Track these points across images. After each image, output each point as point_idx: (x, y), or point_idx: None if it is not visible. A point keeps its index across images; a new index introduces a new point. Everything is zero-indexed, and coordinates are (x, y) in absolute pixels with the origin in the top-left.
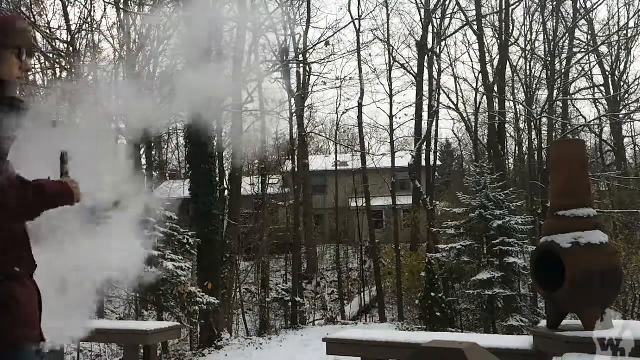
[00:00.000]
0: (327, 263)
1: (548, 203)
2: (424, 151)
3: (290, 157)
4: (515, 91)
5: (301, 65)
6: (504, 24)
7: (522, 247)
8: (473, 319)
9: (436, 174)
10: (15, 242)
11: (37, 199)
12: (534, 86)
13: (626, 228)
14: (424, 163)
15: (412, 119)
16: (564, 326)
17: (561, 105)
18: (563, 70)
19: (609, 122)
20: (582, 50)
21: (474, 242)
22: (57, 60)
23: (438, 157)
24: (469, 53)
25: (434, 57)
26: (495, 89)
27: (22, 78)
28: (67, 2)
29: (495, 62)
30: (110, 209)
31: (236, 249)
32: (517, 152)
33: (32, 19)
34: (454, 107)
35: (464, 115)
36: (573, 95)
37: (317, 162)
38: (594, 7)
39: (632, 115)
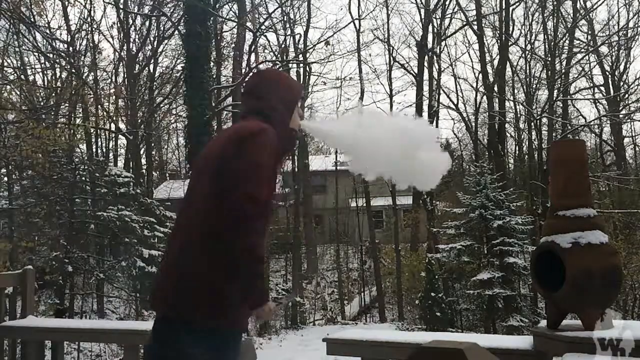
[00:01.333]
0: (327, 263)
1: (548, 203)
2: None
3: (290, 157)
4: (515, 91)
5: (301, 65)
6: (504, 24)
7: (522, 247)
8: (473, 319)
9: None
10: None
11: (254, 279)
12: (534, 86)
13: (626, 228)
14: None
15: None
16: (564, 326)
17: (561, 105)
18: (563, 70)
19: (609, 122)
20: (582, 50)
21: (474, 242)
22: (57, 60)
23: None
24: (469, 53)
25: (434, 57)
26: (495, 89)
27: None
28: (67, 2)
29: (495, 62)
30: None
31: None
32: (517, 152)
33: (32, 19)
34: (454, 107)
35: (464, 115)
36: (573, 95)
37: (317, 162)
38: (594, 7)
39: (632, 115)
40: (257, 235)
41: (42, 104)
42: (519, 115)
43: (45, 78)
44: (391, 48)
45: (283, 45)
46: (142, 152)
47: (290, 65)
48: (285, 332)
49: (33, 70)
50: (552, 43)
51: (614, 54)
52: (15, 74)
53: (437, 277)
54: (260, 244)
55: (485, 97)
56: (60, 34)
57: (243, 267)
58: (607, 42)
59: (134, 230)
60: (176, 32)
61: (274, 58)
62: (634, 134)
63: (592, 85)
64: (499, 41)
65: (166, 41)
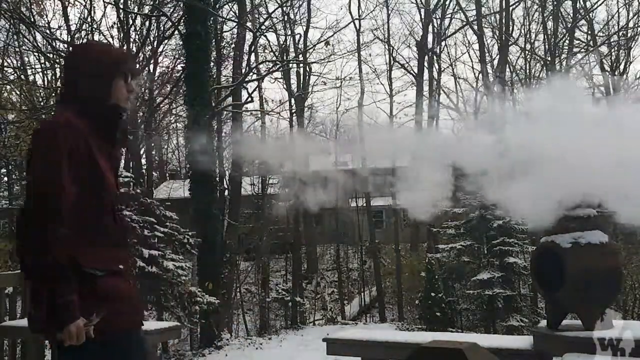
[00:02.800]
0: (327, 263)
1: None
2: None
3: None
4: (515, 91)
5: (301, 65)
6: (503, 24)
7: (522, 247)
8: (473, 319)
9: None
10: (119, 243)
11: (52, 276)
12: (534, 86)
13: (626, 228)
14: None
15: (412, 119)
16: (564, 326)
17: None
18: (563, 70)
19: None
20: (582, 50)
21: (474, 242)
22: (57, 60)
23: None
24: (469, 53)
25: (434, 57)
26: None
27: (129, 99)
28: (67, 2)
29: (495, 62)
30: None
31: (236, 249)
32: None
33: (32, 19)
34: (454, 107)
35: (464, 115)
36: None
37: (317, 162)
38: (594, 7)
39: None
40: (37, 247)
41: (42, 104)
42: None
43: (45, 78)
44: (391, 48)
45: (283, 45)
46: (142, 152)
47: (290, 65)
48: (285, 332)
49: (33, 70)
50: (552, 43)
51: (613, 53)
52: (15, 74)
53: (437, 277)
54: (43, 255)
55: (485, 97)
56: (60, 34)
57: (32, 282)
58: (607, 42)
59: (133, 230)
60: (176, 32)
61: (274, 58)
62: None
63: (592, 85)
64: (499, 41)
65: (166, 41)
